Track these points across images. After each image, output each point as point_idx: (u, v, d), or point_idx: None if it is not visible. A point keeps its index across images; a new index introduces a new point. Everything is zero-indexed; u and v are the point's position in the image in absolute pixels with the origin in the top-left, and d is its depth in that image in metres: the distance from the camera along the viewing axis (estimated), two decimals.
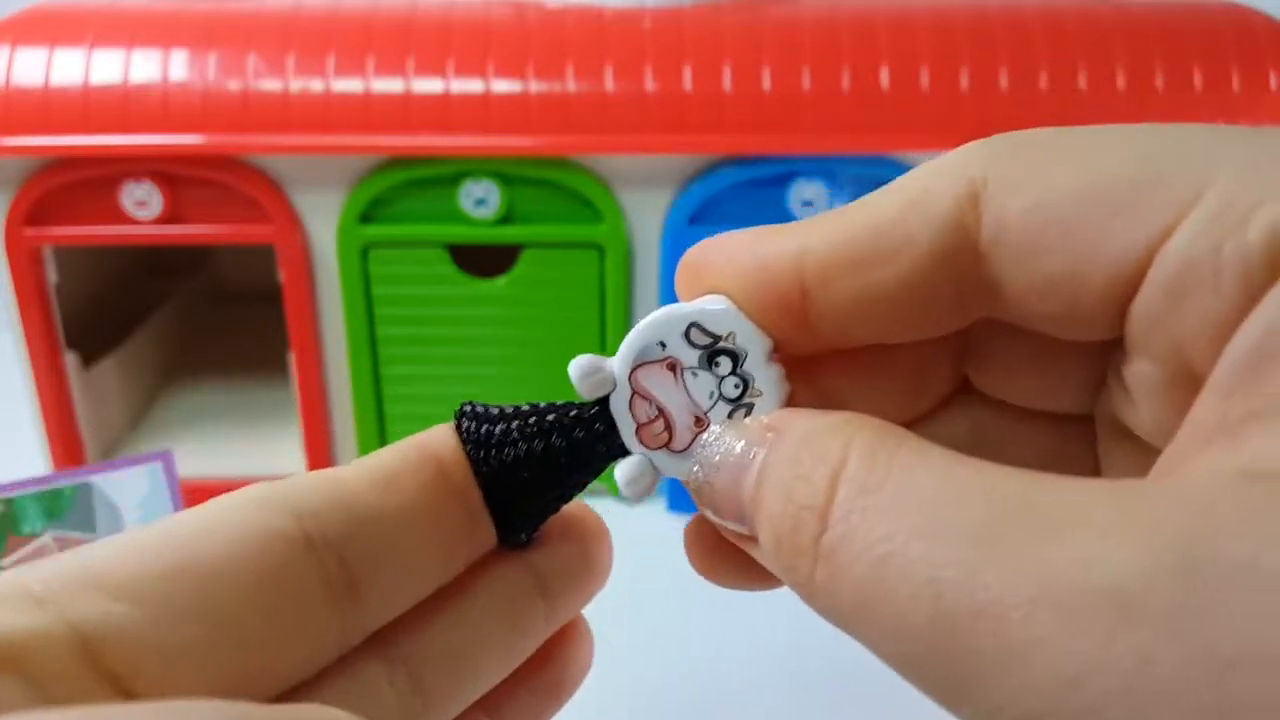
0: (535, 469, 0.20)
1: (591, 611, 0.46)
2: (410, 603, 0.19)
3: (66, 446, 0.52)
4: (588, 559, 0.22)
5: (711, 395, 0.20)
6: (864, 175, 0.46)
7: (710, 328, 0.19)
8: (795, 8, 0.47)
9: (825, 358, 0.20)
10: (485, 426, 0.20)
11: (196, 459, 0.55)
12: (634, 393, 0.20)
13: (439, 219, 0.47)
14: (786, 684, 0.41)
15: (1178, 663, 0.12)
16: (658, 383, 0.20)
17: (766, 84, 0.44)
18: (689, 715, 0.39)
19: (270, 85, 0.44)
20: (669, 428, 0.20)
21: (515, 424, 0.20)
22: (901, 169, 0.46)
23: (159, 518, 0.36)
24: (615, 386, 0.20)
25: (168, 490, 0.39)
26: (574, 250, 0.48)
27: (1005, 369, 0.20)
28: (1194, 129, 0.16)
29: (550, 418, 0.20)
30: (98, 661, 0.15)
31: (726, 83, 0.44)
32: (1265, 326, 0.14)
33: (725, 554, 0.21)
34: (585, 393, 0.20)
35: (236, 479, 0.53)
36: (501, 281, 0.48)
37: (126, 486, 0.38)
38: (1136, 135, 0.16)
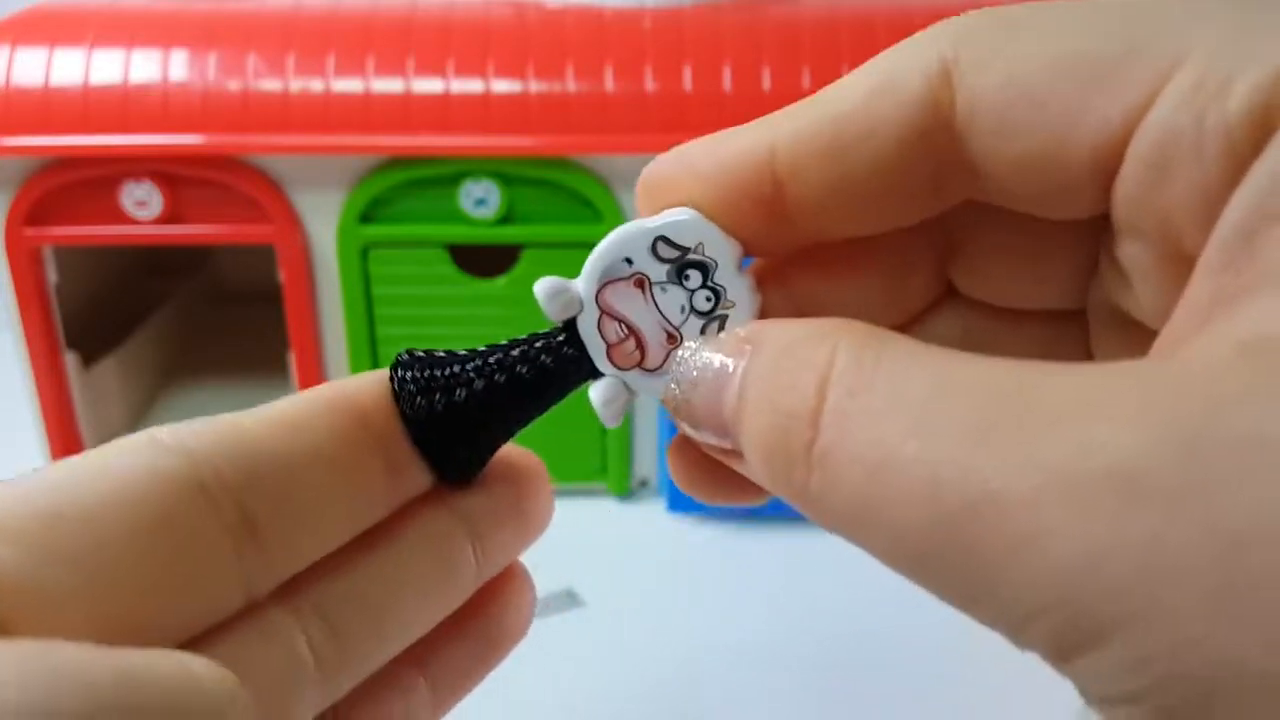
0: (493, 405, 0.20)
1: (592, 610, 0.47)
2: (321, 550, 0.19)
3: (66, 446, 0.52)
4: (521, 502, 0.22)
5: (683, 310, 0.19)
6: None
7: (678, 239, 0.19)
8: (795, 8, 0.47)
9: (800, 264, 0.20)
10: (430, 371, 0.20)
11: None
12: (602, 313, 0.20)
13: (439, 219, 0.47)
14: (786, 682, 0.41)
15: (1186, 542, 0.12)
16: (626, 301, 0.19)
17: (766, 84, 0.44)
18: (689, 713, 0.39)
19: (270, 85, 0.44)
20: (641, 346, 0.20)
21: (472, 364, 0.20)
22: None
23: None
24: (582, 308, 0.20)
25: None
26: (574, 250, 0.48)
27: (989, 265, 0.20)
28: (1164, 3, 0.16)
29: (515, 352, 0.20)
30: None
31: (726, 83, 0.44)
32: (1253, 199, 0.14)
33: (709, 470, 0.20)
34: (552, 313, 0.20)
35: None
36: (501, 281, 0.48)
37: None
38: (1112, 6, 0.16)
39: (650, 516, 0.52)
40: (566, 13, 0.46)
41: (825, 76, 0.44)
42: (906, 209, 0.18)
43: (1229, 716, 0.12)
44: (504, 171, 0.46)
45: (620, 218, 0.47)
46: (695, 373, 0.18)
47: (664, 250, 0.19)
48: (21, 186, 0.46)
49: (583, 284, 0.20)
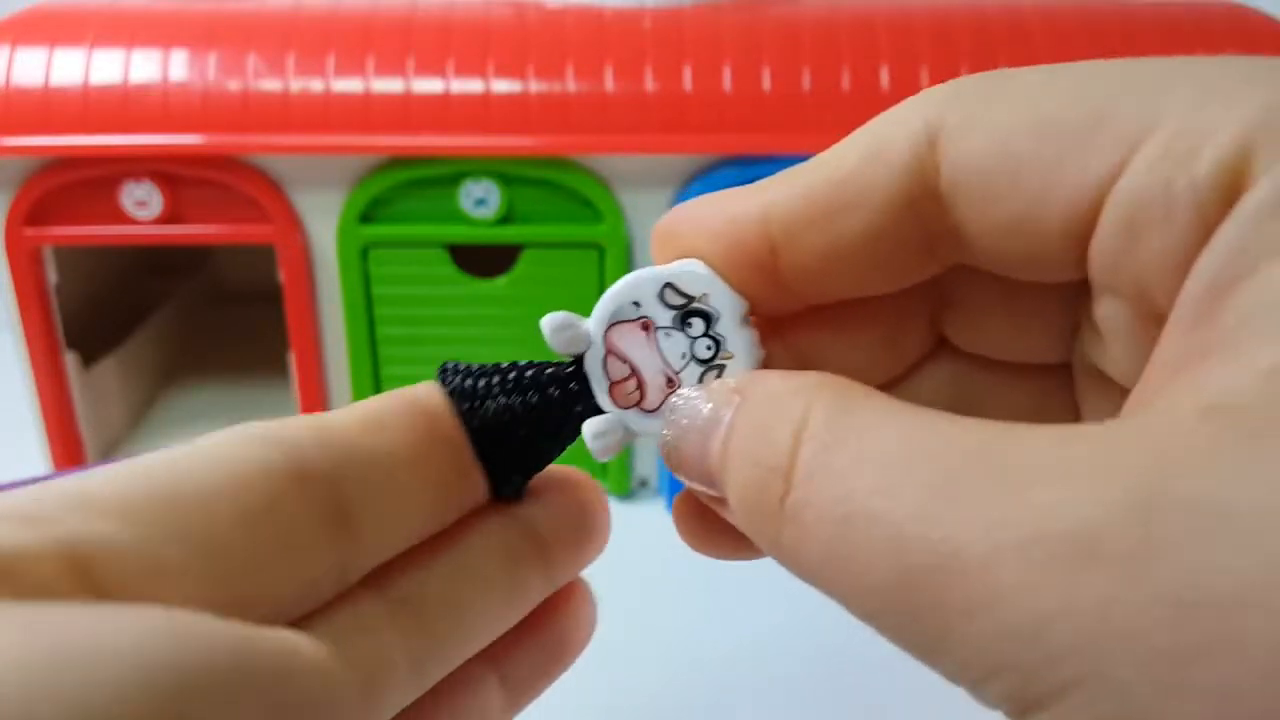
0: (518, 422, 0.21)
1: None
2: (406, 541, 0.20)
3: (66, 446, 0.52)
4: (583, 517, 0.23)
5: (684, 356, 0.20)
6: None
7: (684, 288, 0.20)
8: (795, 8, 0.47)
9: (800, 318, 0.20)
10: (468, 381, 0.21)
11: None
12: (608, 351, 0.20)
13: (439, 219, 0.47)
14: (786, 681, 0.41)
15: (1138, 606, 0.12)
16: (631, 342, 0.20)
17: (766, 84, 0.44)
18: (689, 713, 0.39)
19: (270, 85, 0.44)
20: (641, 387, 0.20)
21: (496, 379, 0.21)
22: None
23: None
24: (590, 345, 0.20)
25: None
26: (574, 250, 0.48)
27: (981, 322, 0.20)
28: (1142, 63, 0.16)
29: (529, 374, 0.21)
30: (86, 576, 0.15)
31: (726, 83, 0.44)
32: (1220, 260, 0.14)
33: (709, 524, 0.21)
34: (557, 347, 0.20)
35: None
36: (501, 281, 0.48)
37: None
38: (1086, 72, 0.16)
39: (650, 516, 0.52)
40: (566, 13, 0.46)
41: (825, 76, 0.44)
42: (899, 273, 0.19)
43: None
44: (504, 171, 0.46)
45: (620, 217, 0.47)
46: (686, 419, 0.19)
47: (671, 297, 0.20)
48: (21, 186, 0.46)
49: (593, 323, 0.20)
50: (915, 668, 0.43)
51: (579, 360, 0.21)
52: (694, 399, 0.19)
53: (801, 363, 0.21)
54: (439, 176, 0.46)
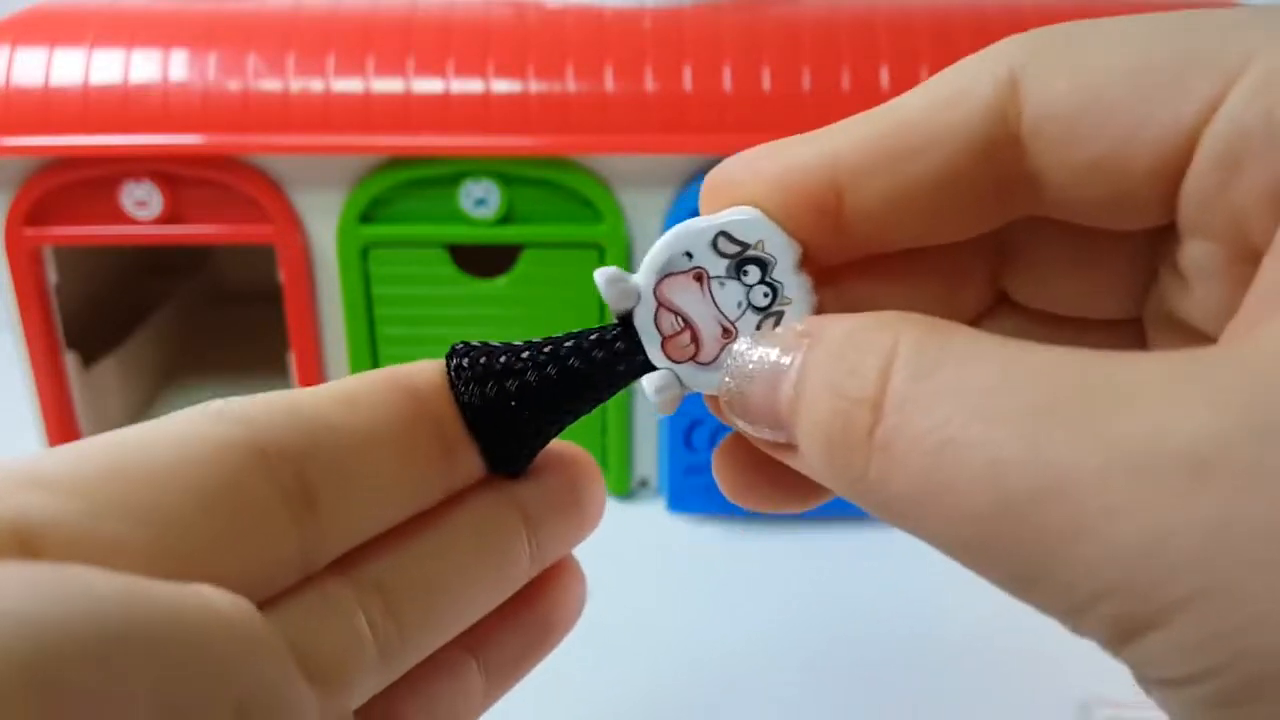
0: (544, 395, 0.20)
1: (592, 609, 0.47)
2: (378, 525, 0.19)
3: None
4: (576, 494, 0.22)
5: (740, 305, 0.19)
6: None
7: (739, 235, 0.19)
8: (795, 8, 0.47)
9: (855, 269, 0.20)
10: (484, 359, 0.20)
11: None
12: (659, 305, 0.20)
13: (439, 219, 0.47)
14: (786, 682, 0.41)
15: (1255, 522, 0.12)
16: (683, 294, 0.20)
17: (766, 84, 0.44)
18: (689, 712, 0.39)
19: (270, 85, 0.44)
20: (695, 340, 0.20)
21: (527, 354, 0.21)
22: None
23: None
24: (639, 299, 0.20)
25: None
26: (574, 250, 0.48)
27: (1045, 275, 0.20)
28: (1228, 11, 0.16)
29: (569, 344, 0.20)
30: (36, 554, 0.15)
31: (726, 83, 0.44)
32: None
33: (756, 475, 0.21)
34: (610, 299, 0.20)
35: None
36: (502, 281, 0.48)
37: None
38: (1173, 18, 0.16)
39: (650, 516, 0.52)
40: (566, 13, 0.46)
41: (825, 76, 0.44)
42: (967, 221, 0.18)
43: None
44: (504, 171, 0.46)
45: (620, 217, 0.47)
46: (751, 365, 0.18)
47: (724, 246, 0.19)
48: (21, 186, 0.46)
49: (642, 276, 0.20)
50: (916, 668, 0.43)
51: (626, 320, 0.20)
52: (759, 345, 0.18)
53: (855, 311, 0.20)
54: (439, 176, 0.46)
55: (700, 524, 0.51)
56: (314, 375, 0.50)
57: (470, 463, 0.21)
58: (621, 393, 0.51)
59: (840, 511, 0.45)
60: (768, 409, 0.18)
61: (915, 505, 0.15)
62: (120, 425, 0.49)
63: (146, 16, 0.46)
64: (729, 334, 0.20)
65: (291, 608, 0.18)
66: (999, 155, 0.17)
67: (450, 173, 0.46)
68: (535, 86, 0.44)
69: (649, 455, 0.53)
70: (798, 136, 0.19)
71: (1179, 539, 0.12)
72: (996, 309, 0.21)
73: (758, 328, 0.19)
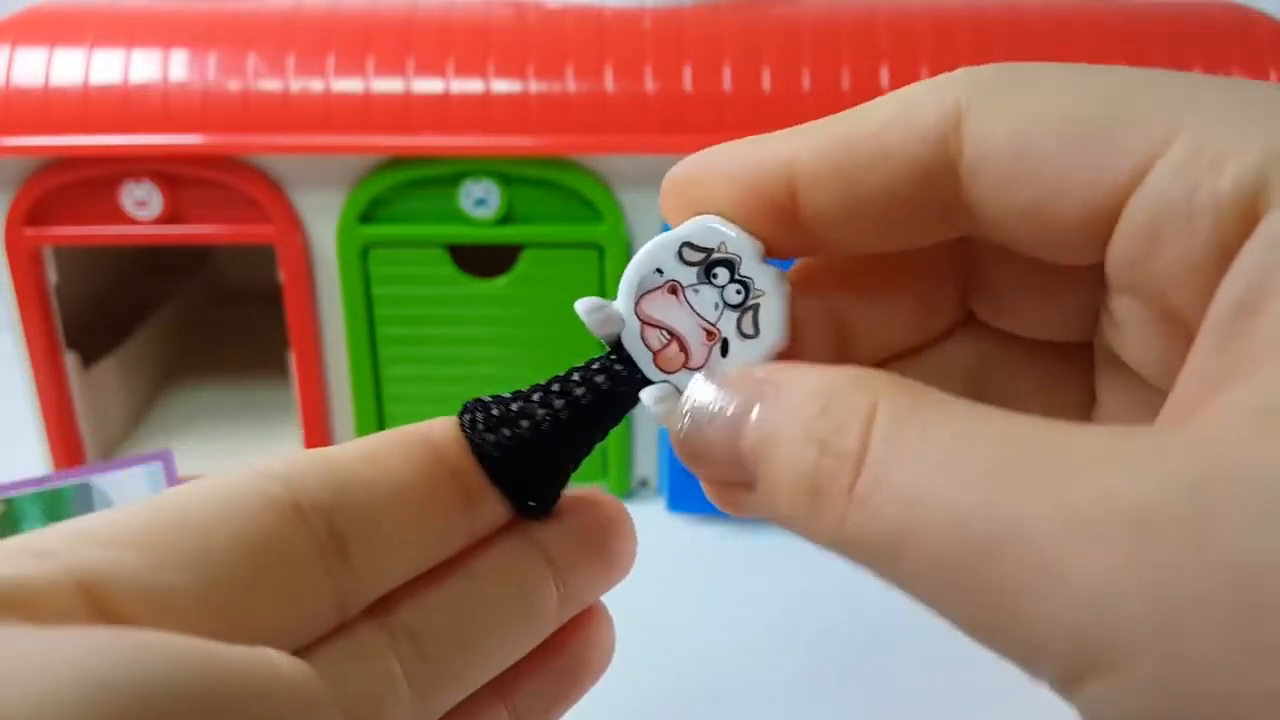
0: (557, 430, 0.21)
1: None
2: (406, 572, 0.20)
3: (67, 446, 0.52)
4: (602, 539, 0.23)
5: (716, 306, 0.20)
6: None
7: (700, 242, 0.20)
8: (795, 8, 0.47)
9: (836, 281, 0.21)
10: (495, 409, 0.21)
11: (196, 459, 0.55)
12: (643, 324, 0.21)
13: (439, 219, 0.47)
14: (786, 681, 0.41)
15: (1200, 573, 0.13)
16: (662, 308, 0.21)
17: (766, 84, 0.44)
18: (688, 712, 0.39)
19: (270, 85, 0.44)
20: (684, 349, 0.21)
21: (536, 395, 0.21)
22: None
23: None
24: (624, 323, 0.21)
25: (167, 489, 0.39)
26: (574, 250, 0.48)
27: (1005, 299, 0.21)
28: (1166, 74, 0.17)
29: (573, 378, 0.21)
30: (100, 605, 0.16)
31: (726, 83, 0.44)
32: (1245, 281, 0.15)
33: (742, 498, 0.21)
34: (594, 328, 0.21)
35: None
36: (502, 281, 0.48)
37: (127, 486, 0.38)
38: (1112, 75, 0.17)
39: (650, 516, 0.52)
40: (566, 13, 0.46)
41: (825, 76, 0.44)
42: (914, 233, 0.19)
43: None
44: (504, 171, 0.46)
45: (620, 217, 0.47)
46: (712, 407, 0.18)
47: (690, 255, 0.20)
48: (21, 186, 0.46)
49: (621, 300, 0.21)
50: (916, 668, 0.43)
51: (616, 343, 0.21)
52: (715, 390, 0.19)
53: (837, 323, 0.21)
54: (439, 176, 0.46)
55: (700, 524, 0.51)
56: (314, 375, 0.50)
57: (493, 510, 0.21)
58: None
59: None
60: (727, 452, 0.18)
61: (890, 553, 0.16)
62: (120, 425, 0.49)
63: (146, 16, 0.46)
64: (712, 335, 0.20)
65: (329, 655, 0.18)
66: (939, 181, 0.18)
67: (450, 173, 0.46)
68: (535, 86, 0.44)
69: (649, 456, 0.53)
70: (758, 137, 0.20)
71: (1128, 592, 0.13)
72: (965, 324, 0.22)
73: (738, 325, 0.20)
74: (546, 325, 0.49)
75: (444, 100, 0.44)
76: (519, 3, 0.47)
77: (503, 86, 0.44)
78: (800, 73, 0.44)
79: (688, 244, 0.20)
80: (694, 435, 0.19)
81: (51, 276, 0.50)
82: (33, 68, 0.45)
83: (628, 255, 0.48)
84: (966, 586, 0.15)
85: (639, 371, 0.21)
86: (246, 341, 0.67)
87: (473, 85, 0.44)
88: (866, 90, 0.44)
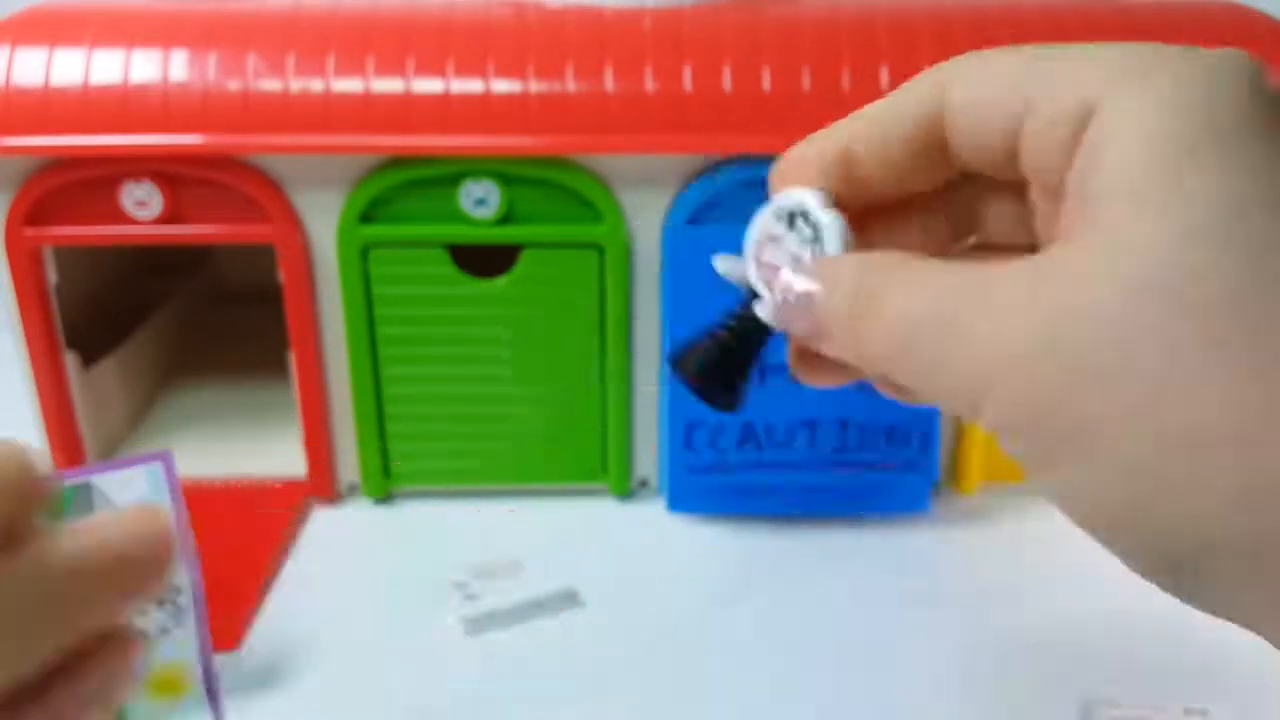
0: (730, 347, 0.31)
1: (592, 610, 0.47)
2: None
3: (67, 447, 0.52)
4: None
5: (800, 243, 0.30)
6: None
7: (783, 205, 0.30)
8: (795, 8, 0.47)
9: (875, 220, 0.31)
10: (686, 343, 0.32)
11: (196, 459, 0.55)
12: (760, 266, 0.31)
13: (439, 219, 0.47)
14: (785, 678, 0.41)
15: (1034, 324, 0.22)
16: (770, 253, 0.30)
17: (766, 84, 0.44)
18: (688, 709, 0.40)
19: (270, 85, 0.44)
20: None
21: (710, 330, 0.31)
22: None
23: None
24: (747, 268, 0.31)
25: (168, 490, 0.39)
26: (574, 250, 0.48)
27: (977, 217, 0.31)
28: (1059, 48, 0.26)
29: (731, 313, 0.31)
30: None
31: (726, 83, 0.44)
32: (1078, 165, 0.24)
33: (813, 363, 0.30)
34: (731, 276, 0.31)
35: (236, 479, 0.53)
36: (501, 281, 0.48)
37: (127, 486, 0.38)
38: (1026, 53, 0.26)
39: (650, 516, 0.52)
40: (566, 13, 0.46)
41: (825, 76, 0.44)
42: (925, 173, 0.28)
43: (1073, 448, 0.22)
44: (504, 171, 0.46)
45: (620, 217, 0.47)
46: (793, 297, 0.28)
47: (779, 214, 0.30)
48: (21, 186, 0.47)
49: (746, 253, 0.31)
50: (916, 668, 0.43)
51: (752, 290, 0.31)
52: (797, 279, 0.29)
53: (870, 245, 0.30)
54: (439, 176, 0.46)
55: (700, 524, 0.51)
56: (314, 374, 0.50)
57: None
58: (621, 392, 0.51)
59: (840, 512, 0.45)
60: (806, 318, 0.28)
61: (867, 347, 0.26)
62: (120, 425, 0.49)
63: (146, 17, 0.46)
64: (799, 260, 0.30)
65: None
66: (935, 129, 0.27)
67: (450, 173, 0.46)
68: (535, 86, 0.44)
69: (649, 456, 0.53)
70: (826, 129, 0.29)
71: (992, 343, 0.23)
72: (956, 251, 0.32)
73: (812, 249, 0.30)
74: (546, 324, 0.49)
75: (444, 100, 0.44)
76: (519, 3, 0.47)
77: (503, 86, 0.44)
78: (800, 72, 0.44)
79: (777, 208, 0.30)
80: (785, 306, 0.28)
81: (51, 276, 0.50)
82: (33, 68, 0.45)
83: (627, 254, 0.48)
84: (923, 361, 0.25)
85: (760, 297, 0.30)
86: (246, 341, 0.67)
87: (473, 85, 0.44)
88: (866, 89, 0.44)
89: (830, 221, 0.30)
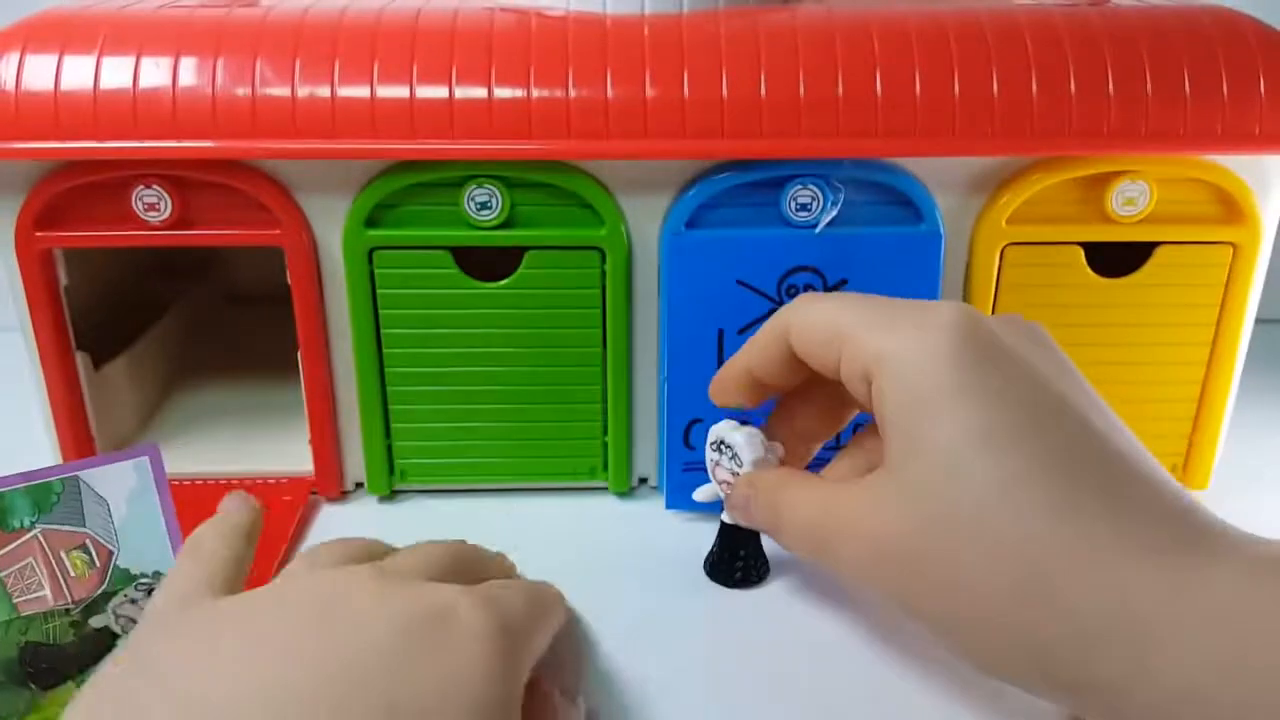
0: (724, 545, 0.47)
1: (591, 605, 0.47)
2: None
3: (77, 446, 0.53)
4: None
5: (729, 460, 0.44)
6: (858, 178, 0.47)
7: (711, 438, 0.45)
8: (791, 15, 0.47)
9: (786, 409, 0.45)
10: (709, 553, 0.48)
11: (205, 457, 0.56)
12: (718, 484, 0.45)
13: (443, 223, 0.48)
14: (786, 678, 0.41)
15: (892, 528, 0.35)
16: (720, 472, 0.45)
17: (763, 90, 0.45)
18: (688, 710, 0.40)
19: (278, 91, 0.45)
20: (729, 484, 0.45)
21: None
22: (892, 171, 0.47)
23: (147, 510, 0.38)
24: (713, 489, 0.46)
25: (154, 483, 0.39)
26: (575, 253, 0.48)
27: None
28: (868, 302, 0.38)
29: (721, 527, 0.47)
30: None
31: (724, 89, 0.45)
32: (883, 423, 0.36)
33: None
34: (701, 498, 0.47)
35: (245, 478, 0.54)
36: (504, 284, 0.49)
37: (114, 480, 0.39)
38: (845, 301, 0.38)
39: (650, 515, 0.53)
40: (568, 20, 0.47)
41: (820, 82, 0.45)
42: (806, 371, 0.40)
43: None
44: (507, 176, 0.47)
45: (620, 221, 0.48)
46: (737, 498, 0.44)
47: (712, 444, 0.45)
48: (33, 190, 0.47)
49: (709, 474, 0.46)
50: (916, 668, 0.44)
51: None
52: (739, 486, 0.44)
53: (790, 425, 0.45)
54: (443, 181, 0.47)
55: (700, 523, 0.52)
56: (321, 375, 0.51)
57: None
58: (621, 392, 0.52)
59: None
60: (745, 513, 0.43)
61: (794, 547, 0.40)
62: (130, 425, 0.50)
63: (156, 23, 0.47)
64: (734, 474, 0.44)
65: None
66: (790, 352, 0.40)
67: (454, 177, 0.47)
68: (537, 92, 0.45)
69: (649, 454, 0.54)
70: (733, 357, 0.43)
71: (864, 556, 0.36)
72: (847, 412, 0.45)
73: (733, 473, 0.44)
74: (548, 326, 0.50)
75: (448, 106, 0.45)
76: (522, 11, 0.48)
77: (505, 92, 0.45)
78: (796, 79, 0.45)
79: (710, 441, 0.45)
80: (734, 513, 0.44)
81: (62, 279, 0.50)
82: (43, 73, 0.45)
83: (627, 257, 0.48)
84: (823, 557, 0.38)
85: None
86: (254, 342, 0.68)
87: (476, 91, 0.45)
88: (862, 95, 0.45)
89: (742, 441, 0.43)
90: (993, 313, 0.50)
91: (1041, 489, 0.31)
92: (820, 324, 0.38)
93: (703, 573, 0.48)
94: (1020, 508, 0.31)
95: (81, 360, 0.52)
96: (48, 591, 0.38)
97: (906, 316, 0.35)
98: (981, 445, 0.32)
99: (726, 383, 0.42)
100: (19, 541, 0.38)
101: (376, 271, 0.49)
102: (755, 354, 0.41)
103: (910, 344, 0.34)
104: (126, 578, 0.39)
